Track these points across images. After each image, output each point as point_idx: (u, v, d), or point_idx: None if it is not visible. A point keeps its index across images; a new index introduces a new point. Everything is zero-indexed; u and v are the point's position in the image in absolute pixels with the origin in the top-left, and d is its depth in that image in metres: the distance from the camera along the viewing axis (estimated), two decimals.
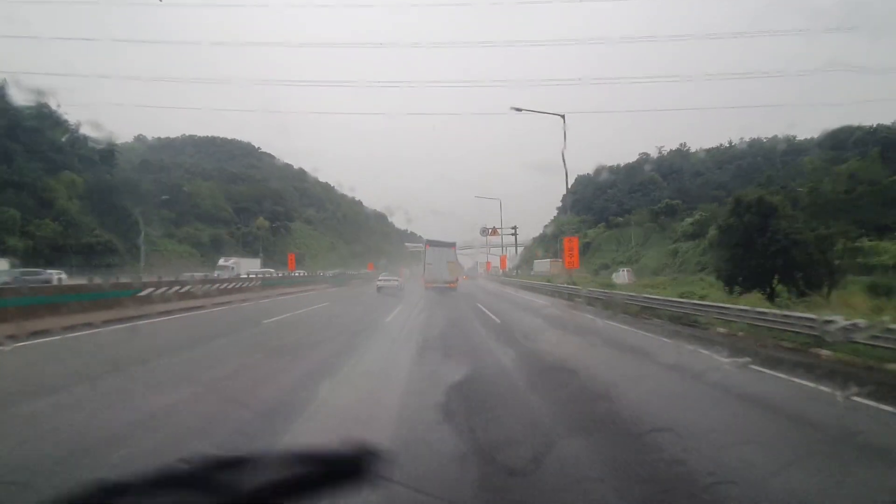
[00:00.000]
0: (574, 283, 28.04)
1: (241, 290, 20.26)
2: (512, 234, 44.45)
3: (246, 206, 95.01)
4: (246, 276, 28.76)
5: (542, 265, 73.18)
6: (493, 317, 14.33)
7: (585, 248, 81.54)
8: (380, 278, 30.46)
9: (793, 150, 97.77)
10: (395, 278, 31.02)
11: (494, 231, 42.96)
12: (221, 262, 43.48)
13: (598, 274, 63.51)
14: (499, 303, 22.02)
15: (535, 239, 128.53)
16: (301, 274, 44.77)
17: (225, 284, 19.14)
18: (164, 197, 57.98)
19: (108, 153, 60.38)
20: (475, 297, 24.94)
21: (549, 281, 34.69)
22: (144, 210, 69.40)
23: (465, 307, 18.38)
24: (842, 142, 69.30)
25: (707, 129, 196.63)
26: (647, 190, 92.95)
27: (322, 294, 26.85)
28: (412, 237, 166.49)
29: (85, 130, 60.58)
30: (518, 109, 25.13)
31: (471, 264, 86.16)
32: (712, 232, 51.94)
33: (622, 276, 49.23)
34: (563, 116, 25.53)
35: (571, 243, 25.50)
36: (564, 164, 25.44)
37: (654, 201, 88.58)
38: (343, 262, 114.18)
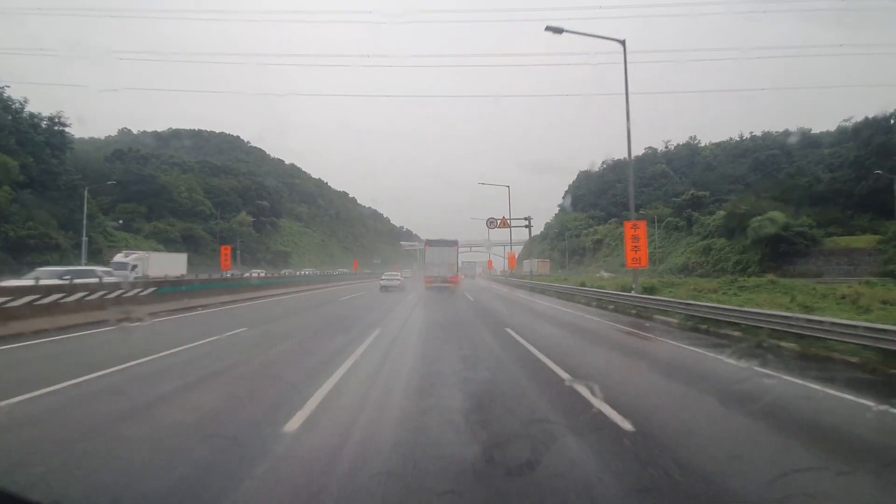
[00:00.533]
0: (616, 288, 19.37)
1: (112, 303, 11.25)
2: (525, 226, 35.45)
3: (229, 200, 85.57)
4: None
5: (530, 265, 70.79)
6: (585, 391, 5.51)
7: (597, 246, 73.19)
8: (383, 277, 31.64)
9: (811, 142, 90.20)
10: (397, 277, 32.21)
11: (504, 222, 33.98)
12: (119, 258, 33.27)
13: (616, 272, 54.82)
14: (543, 327, 13.11)
15: (532, 238, 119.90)
16: (257, 275, 35.83)
17: (63, 296, 10.12)
18: (110, 182, 48.35)
19: (57, 134, 50.85)
20: (494, 313, 16.15)
21: (582, 284, 25.90)
22: (104, 202, 60.12)
23: (490, 340, 9.47)
24: (883, 129, 60.69)
25: (708, 124, 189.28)
26: (658, 184, 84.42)
27: (266, 305, 17.89)
28: (407, 235, 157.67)
29: (36, 110, 50.96)
30: (557, 31, 16.21)
31: (469, 262, 77.62)
32: (757, 224, 43.46)
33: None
34: (623, 42, 16.71)
35: (637, 231, 16.53)
36: (627, 101, 16.58)
37: (668, 195, 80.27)
38: (333, 261, 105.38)
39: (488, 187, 63.58)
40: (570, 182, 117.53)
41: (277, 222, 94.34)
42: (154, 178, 75.81)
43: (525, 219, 35.05)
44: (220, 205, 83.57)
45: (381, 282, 30.28)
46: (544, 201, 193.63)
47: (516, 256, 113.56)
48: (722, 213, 49.03)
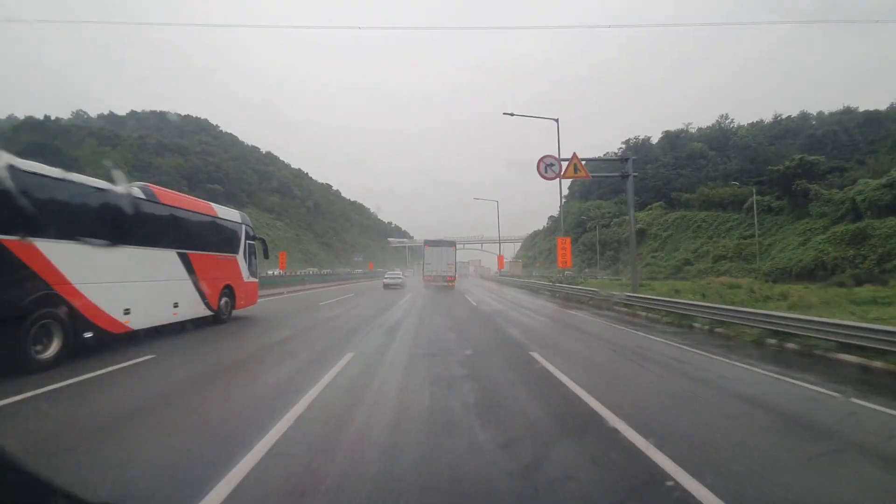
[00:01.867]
0: None
1: None
2: (617, 175, 15.31)
3: (168, 181, 64.65)
4: None
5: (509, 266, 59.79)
6: None
7: (639, 237, 53.25)
8: (386, 276, 30.94)
9: (865, 121, 72.31)
10: (400, 276, 31.21)
11: (577, 164, 13.84)
12: None
13: (679, 272, 35.33)
14: None
15: (533, 235, 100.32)
16: None
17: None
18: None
19: None
20: None
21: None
22: None
23: None
24: None
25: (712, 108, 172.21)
26: (697, 165, 65.26)
27: None
28: (396, 231, 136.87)
29: None
30: None
31: (462, 262, 58.88)
32: None
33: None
34: None
35: None
36: None
37: (711, 177, 61.34)
38: (308, 258, 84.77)
39: (477, 192, 43.08)
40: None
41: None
42: (59, 150, 54.51)
43: (619, 159, 15.11)
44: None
45: (385, 280, 29.89)
46: (540, 200, 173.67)
47: (509, 257, 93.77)
48: (870, 181, 29.53)
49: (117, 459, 2.97)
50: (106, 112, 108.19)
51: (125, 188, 7.64)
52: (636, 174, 15.35)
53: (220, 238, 10.72)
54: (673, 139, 70.95)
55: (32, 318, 5.52)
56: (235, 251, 11.46)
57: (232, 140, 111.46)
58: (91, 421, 3.70)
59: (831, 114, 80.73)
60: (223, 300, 10.47)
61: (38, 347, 5.58)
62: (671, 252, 41.99)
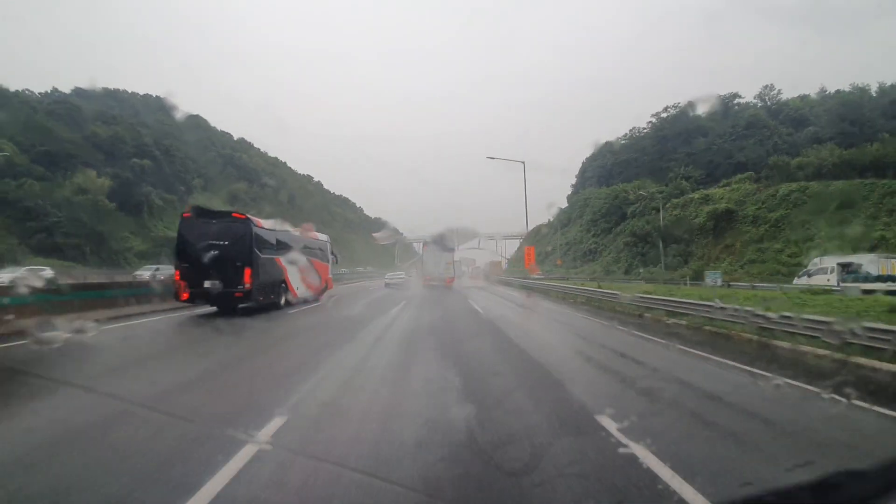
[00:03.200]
0: None
1: None
2: None
3: (71, 151, 47.00)
4: None
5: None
6: None
7: (727, 221, 36.39)
8: (387, 276, 30.94)
9: None
10: (402, 275, 31.24)
11: None
12: None
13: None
14: None
15: (536, 229, 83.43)
16: None
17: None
18: None
19: None
20: None
21: None
22: None
23: None
24: None
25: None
26: (759, 136, 48.97)
27: None
28: (385, 228, 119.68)
29: None
30: None
31: (456, 259, 42.72)
32: None
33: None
34: None
35: None
36: None
37: (779, 149, 45.38)
38: None
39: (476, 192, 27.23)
40: (573, 170, 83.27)
41: (169, 197, 54.96)
42: None
43: None
44: (52, 158, 44.24)
45: (386, 279, 29.74)
46: (539, 201, 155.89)
47: (508, 258, 76.16)
48: None
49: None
50: (49, 89, 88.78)
51: (297, 230, 16.21)
52: None
53: (321, 252, 18.35)
54: (725, 107, 54.75)
55: (280, 288, 13.59)
56: (329, 260, 19.17)
57: (195, 122, 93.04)
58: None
59: (893, 85, 65.70)
60: (323, 286, 18.04)
61: (278, 299, 13.37)
62: (800, 243, 25.46)
